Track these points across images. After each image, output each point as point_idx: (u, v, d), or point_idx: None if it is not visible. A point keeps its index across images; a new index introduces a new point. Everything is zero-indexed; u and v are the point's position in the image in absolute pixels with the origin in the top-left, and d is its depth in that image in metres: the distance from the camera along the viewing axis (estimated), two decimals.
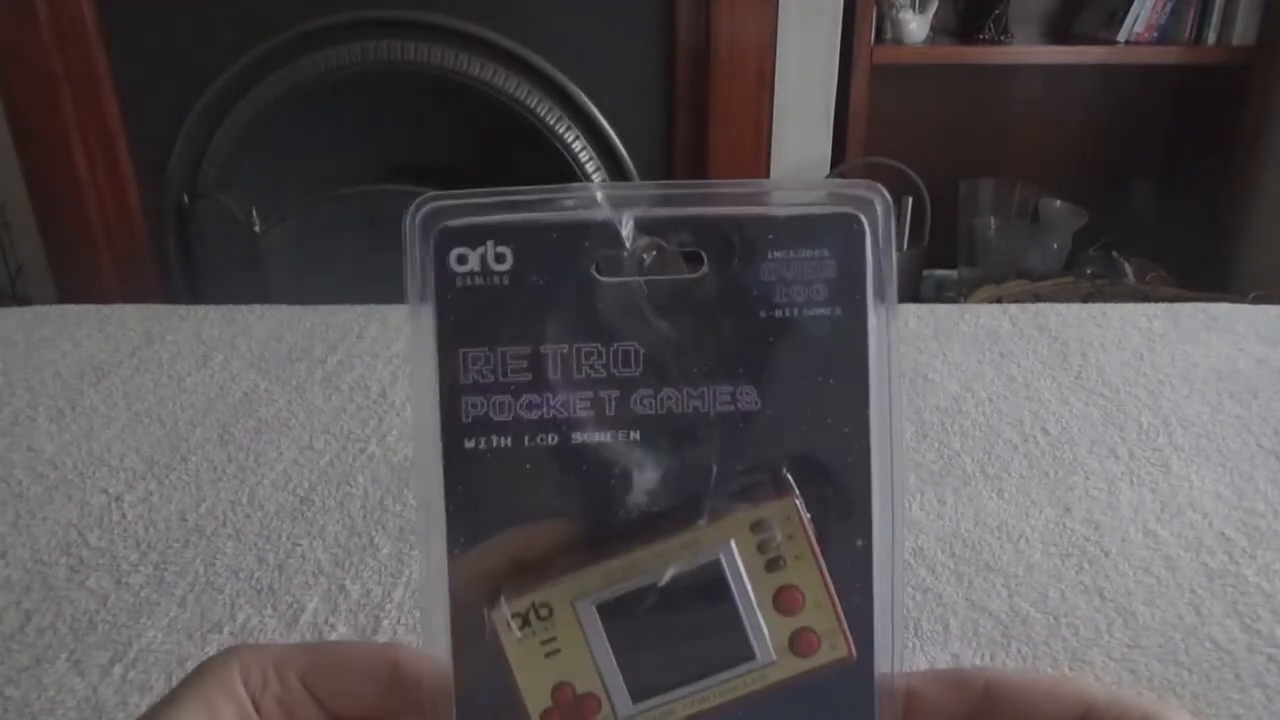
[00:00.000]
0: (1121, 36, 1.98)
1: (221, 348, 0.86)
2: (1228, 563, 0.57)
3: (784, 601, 0.23)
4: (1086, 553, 0.58)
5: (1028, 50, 2.05)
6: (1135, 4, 1.96)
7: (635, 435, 0.24)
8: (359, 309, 0.93)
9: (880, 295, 0.24)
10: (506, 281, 0.23)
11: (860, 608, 0.24)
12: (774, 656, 0.23)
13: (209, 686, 0.24)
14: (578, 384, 0.23)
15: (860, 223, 0.23)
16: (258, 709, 0.24)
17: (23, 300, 2.01)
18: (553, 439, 0.23)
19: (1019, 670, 0.24)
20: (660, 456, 0.24)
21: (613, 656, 0.23)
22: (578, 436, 0.23)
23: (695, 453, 0.23)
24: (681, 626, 0.23)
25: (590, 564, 0.23)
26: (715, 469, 0.23)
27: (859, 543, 0.24)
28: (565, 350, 0.23)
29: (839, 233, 0.23)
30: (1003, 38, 2.03)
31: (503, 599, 0.23)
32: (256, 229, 1.85)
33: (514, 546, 0.23)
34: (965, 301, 1.97)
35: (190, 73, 1.87)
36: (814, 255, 0.23)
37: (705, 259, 0.23)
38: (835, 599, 0.23)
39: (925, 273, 2.08)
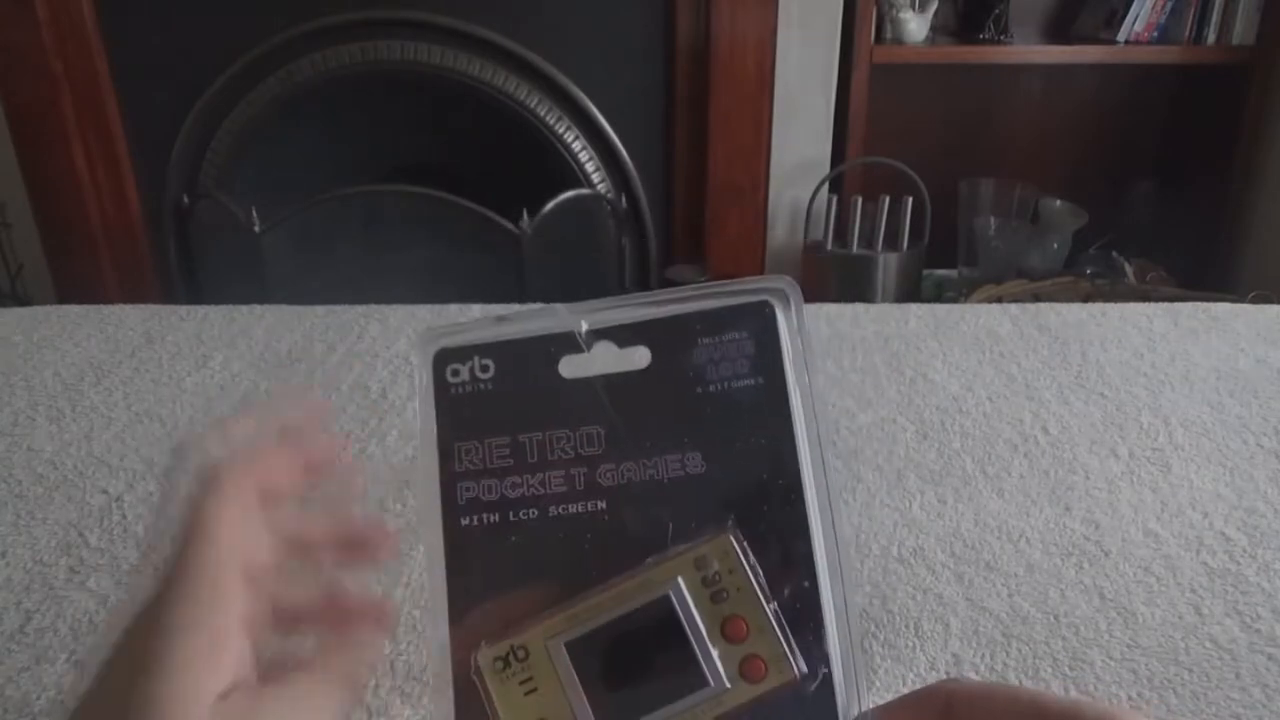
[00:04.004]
0: (1121, 36, 1.98)
1: (221, 348, 0.86)
2: (1228, 562, 0.57)
3: (730, 631, 0.26)
4: (1086, 552, 0.58)
5: (1028, 50, 2.05)
6: (1135, 4, 1.96)
7: (602, 504, 0.27)
8: (359, 309, 0.93)
9: (801, 366, 0.28)
10: (490, 386, 0.28)
11: (814, 644, 0.26)
12: (727, 684, 0.25)
13: (209, 579, 0.28)
14: (552, 464, 0.27)
15: (770, 306, 0.28)
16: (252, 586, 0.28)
17: (23, 300, 2.01)
18: (533, 513, 0.27)
19: (978, 682, 0.25)
20: (623, 519, 0.27)
21: (582, 692, 0.25)
22: (554, 509, 0.27)
23: (654, 514, 0.27)
24: (641, 659, 0.26)
25: (560, 610, 0.26)
26: (671, 526, 0.27)
27: (806, 583, 0.26)
28: (540, 437, 0.28)
29: (753, 317, 0.28)
30: (1002, 38, 2.03)
31: (483, 644, 0.26)
32: (256, 229, 1.85)
33: (503, 611, 0.26)
34: (965, 301, 1.97)
35: (190, 73, 1.87)
36: (735, 337, 0.28)
37: (649, 351, 0.28)
38: (777, 625, 0.26)
39: (925, 273, 2.08)
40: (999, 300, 1.88)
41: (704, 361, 0.28)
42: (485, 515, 0.27)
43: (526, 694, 0.26)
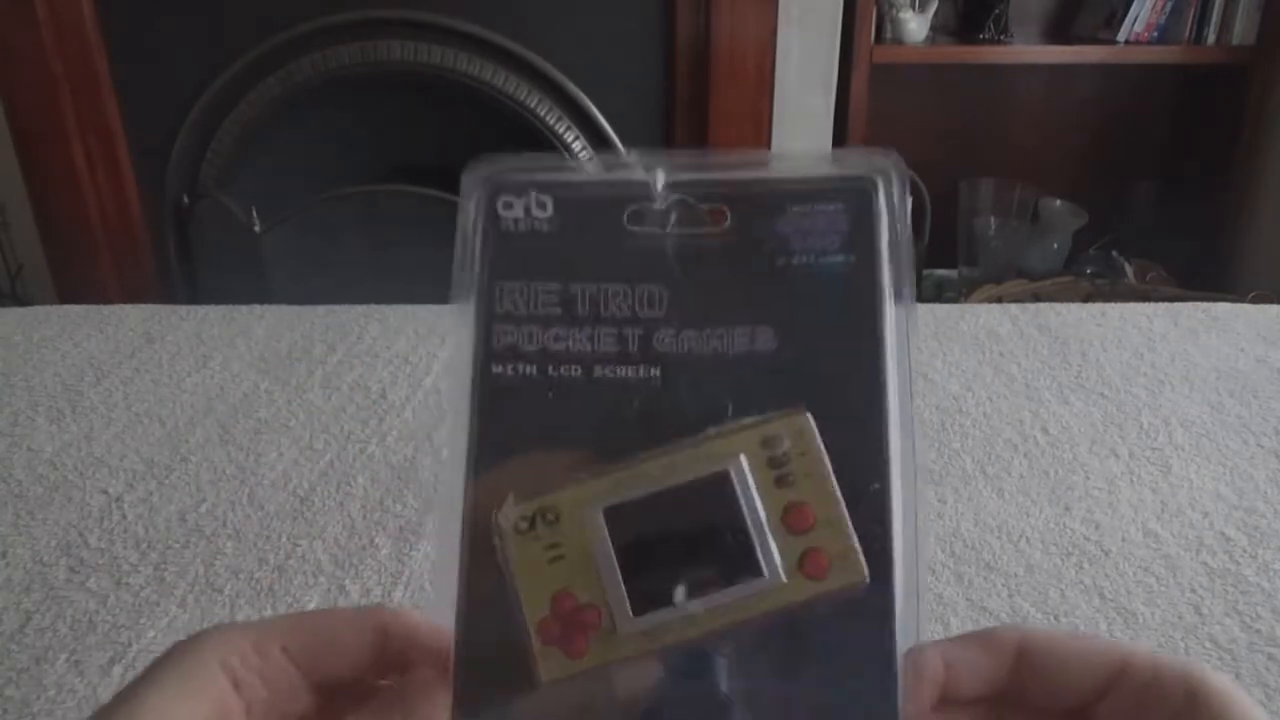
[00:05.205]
0: (1121, 36, 1.98)
1: (221, 348, 0.86)
2: (1228, 562, 0.57)
3: (793, 519, 0.23)
4: (1086, 552, 0.58)
5: (1028, 50, 2.05)
6: (1135, 4, 1.96)
7: (655, 372, 0.24)
8: (359, 309, 0.93)
9: (897, 252, 0.24)
10: (546, 227, 0.25)
11: (879, 554, 0.23)
12: (783, 576, 0.23)
13: (185, 667, 0.24)
14: (604, 320, 0.24)
15: (873, 183, 0.25)
16: (239, 686, 0.24)
17: (23, 300, 2.01)
18: (576, 370, 0.24)
19: (1051, 631, 0.24)
20: (679, 392, 0.24)
21: (616, 566, 0.23)
22: (600, 370, 0.24)
23: (713, 390, 0.24)
24: (687, 539, 0.23)
25: (602, 473, 0.23)
26: (731, 406, 0.24)
27: (875, 486, 0.23)
28: (593, 289, 0.24)
29: (853, 191, 0.25)
30: (1003, 38, 2.03)
31: (510, 499, 0.23)
32: (256, 229, 1.85)
33: (530, 472, 0.23)
34: (965, 301, 1.97)
35: (190, 73, 1.86)
36: (830, 209, 0.24)
37: (728, 214, 0.25)
38: (847, 519, 0.23)
39: (925, 273, 2.08)
40: (999, 300, 1.88)
41: (790, 231, 0.24)
42: (521, 366, 0.24)
43: (551, 561, 0.23)
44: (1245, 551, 0.58)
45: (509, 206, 0.25)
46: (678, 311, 0.24)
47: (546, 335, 0.24)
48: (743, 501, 0.23)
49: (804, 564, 0.23)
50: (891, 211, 0.25)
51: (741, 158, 0.26)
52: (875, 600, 0.23)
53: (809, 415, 0.23)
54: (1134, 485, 0.65)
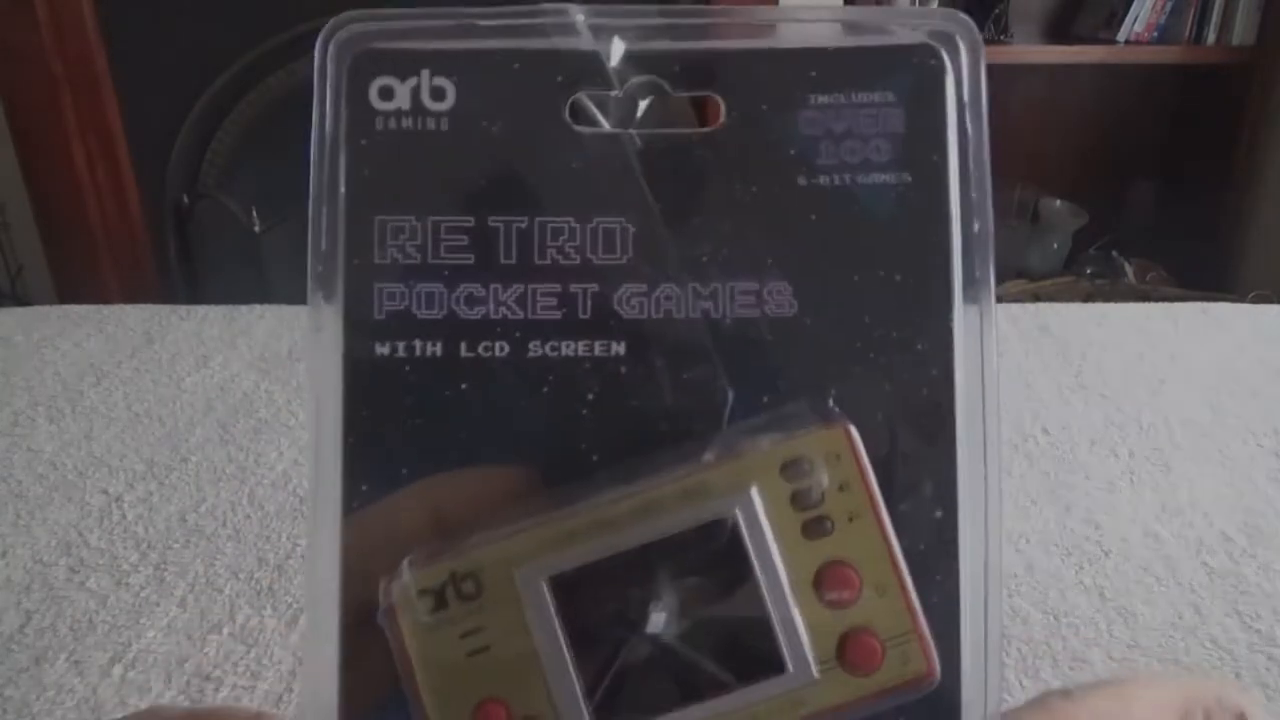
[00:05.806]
0: (1121, 36, 1.98)
1: (221, 348, 0.86)
2: (1228, 562, 0.57)
3: (831, 585, 0.16)
4: (1086, 552, 0.58)
5: (1028, 50, 2.05)
6: (1135, 4, 1.96)
7: (619, 348, 0.17)
8: None
9: (966, 164, 0.17)
10: (446, 125, 0.17)
11: (939, 609, 0.17)
12: (814, 672, 0.16)
13: None
14: (540, 273, 0.17)
15: (939, 57, 0.18)
16: None
17: (23, 300, 2.01)
18: (502, 348, 0.17)
19: (1100, 692, 0.20)
20: (654, 377, 0.17)
21: (570, 661, 0.16)
22: (537, 347, 0.17)
23: (703, 374, 0.17)
24: (674, 620, 0.16)
25: (541, 518, 0.16)
26: (731, 396, 0.17)
27: (938, 513, 0.17)
28: (523, 224, 0.17)
29: (909, 70, 0.17)
30: (1003, 38, 2.03)
31: (406, 565, 0.16)
32: (256, 229, 1.85)
33: (438, 500, 0.16)
34: None
35: (190, 73, 1.87)
36: (874, 100, 0.17)
37: (723, 106, 0.17)
38: (909, 583, 0.16)
39: None
40: (999, 300, 1.88)
41: (817, 134, 0.17)
42: (420, 343, 0.17)
43: (471, 655, 0.15)
44: (1245, 551, 0.58)
45: (388, 95, 0.17)
46: (650, 257, 0.17)
47: (455, 296, 0.17)
48: (755, 561, 0.16)
49: (846, 652, 0.16)
50: (962, 103, 0.17)
51: (742, 14, 0.17)
52: (940, 682, 0.17)
53: (852, 428, 0.16)
54: (1134, 485, 0.65)
